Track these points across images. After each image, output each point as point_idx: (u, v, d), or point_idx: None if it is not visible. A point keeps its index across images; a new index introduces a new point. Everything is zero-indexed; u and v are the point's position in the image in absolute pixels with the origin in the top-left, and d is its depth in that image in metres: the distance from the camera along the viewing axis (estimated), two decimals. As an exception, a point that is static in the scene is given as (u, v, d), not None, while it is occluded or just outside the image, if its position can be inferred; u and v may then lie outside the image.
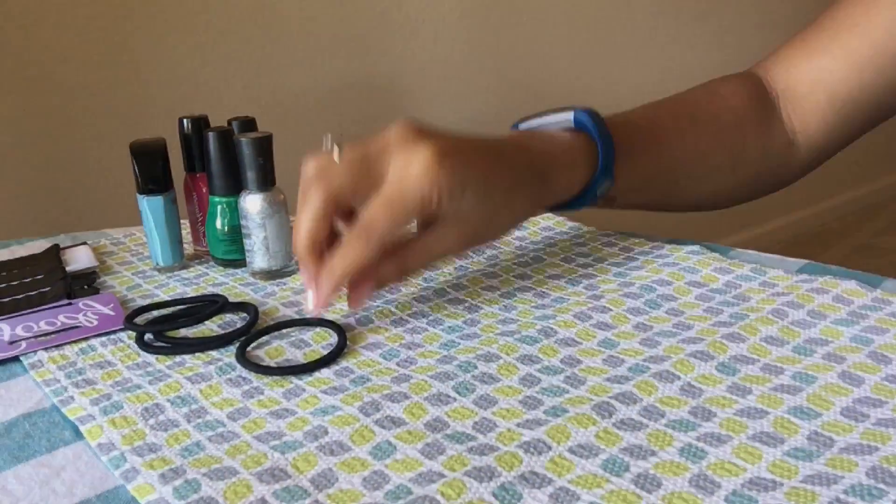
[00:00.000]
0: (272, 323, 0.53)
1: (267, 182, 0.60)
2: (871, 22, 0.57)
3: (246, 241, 0.61)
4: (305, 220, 0.48)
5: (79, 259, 0.68)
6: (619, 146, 0.57)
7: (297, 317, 0.55)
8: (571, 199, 0.57)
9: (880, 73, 0.58)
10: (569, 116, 0.57)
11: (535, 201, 0.55)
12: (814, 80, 0.60)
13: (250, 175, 0.59)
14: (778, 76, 0.62)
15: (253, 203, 0.60)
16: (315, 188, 0.48)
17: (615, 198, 0.60)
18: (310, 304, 0.50)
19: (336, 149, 0.50)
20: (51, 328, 0.55)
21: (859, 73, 0.58)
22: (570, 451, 0.36)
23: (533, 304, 0.54)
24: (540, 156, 0.54)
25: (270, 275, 0.62)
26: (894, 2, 0.57)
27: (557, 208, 0.59)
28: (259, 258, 0.61)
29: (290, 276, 0.62)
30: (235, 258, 0.65)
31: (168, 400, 0.44)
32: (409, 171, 0.47)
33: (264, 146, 0.59)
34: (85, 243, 0.73)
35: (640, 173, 0.60)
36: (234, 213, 0.64)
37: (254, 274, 0.62)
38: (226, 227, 0.64)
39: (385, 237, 0.48)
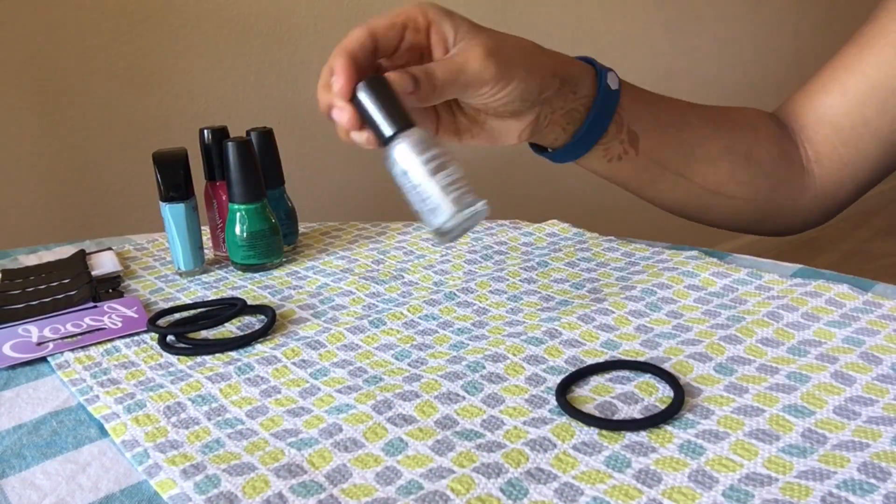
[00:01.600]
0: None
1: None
2: (864, 62, 0.61)
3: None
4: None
5: (104, 264, 0.70)
6: (625, 84, 0.58)
7: (314, 320, 0.56)
8: (592, 107, 0.56)
9: (882, 107, 0.60)
10: None
11: (553, 69, 0.54)
12: (818, 116, 0.63)
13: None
14: (788, 116, 0.65)
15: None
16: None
17: (637, 135, 0.58)
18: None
19: None
20: (77, 330, 0.56)
21: (860, 108, 0.61)
22: (574, 448, 0.38)
23: (539, 307, 0.55)
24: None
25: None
26: (886, 42, 0.60)
27: (580, 144, 0.57)
28: None
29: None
30: (253, 263, 0.66)
31: (189, 399, 0.46)
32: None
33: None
34: (110, 249, 0.75)
35: (652, 111, 0.59)
36: (253, 219, 0.65)
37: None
38: (244, 233, 0.65)
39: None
